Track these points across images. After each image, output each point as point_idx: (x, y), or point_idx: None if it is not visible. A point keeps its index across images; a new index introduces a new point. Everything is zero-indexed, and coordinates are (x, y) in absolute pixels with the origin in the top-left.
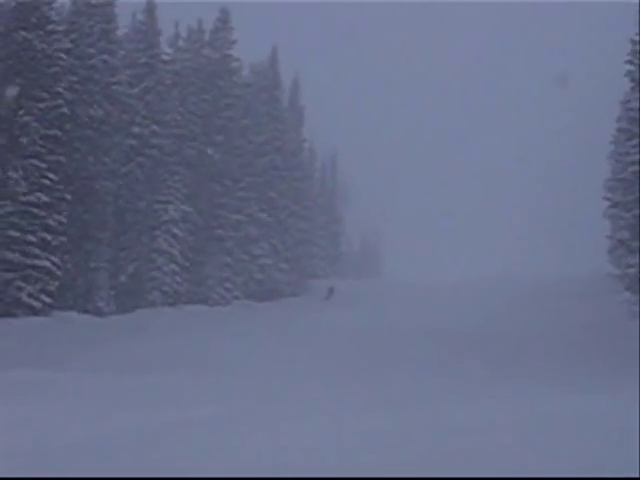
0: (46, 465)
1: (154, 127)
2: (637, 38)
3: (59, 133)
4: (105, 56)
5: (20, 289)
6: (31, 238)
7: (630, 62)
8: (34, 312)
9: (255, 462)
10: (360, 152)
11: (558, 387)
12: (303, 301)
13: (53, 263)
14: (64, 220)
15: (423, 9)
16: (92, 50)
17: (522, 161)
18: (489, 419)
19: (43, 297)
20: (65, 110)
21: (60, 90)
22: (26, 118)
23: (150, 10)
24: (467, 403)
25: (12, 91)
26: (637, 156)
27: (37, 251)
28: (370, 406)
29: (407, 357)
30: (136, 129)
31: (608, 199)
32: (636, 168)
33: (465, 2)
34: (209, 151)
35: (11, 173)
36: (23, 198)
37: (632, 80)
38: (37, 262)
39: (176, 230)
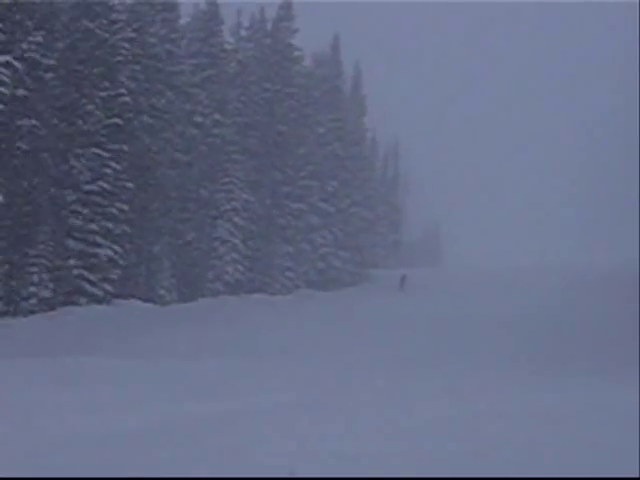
0: (120, 450)
1: (216, 116)
2: None
3: (121, 122)
4: (168, 45)
5: (83, 278)
6: (94, 227)
7: None
8: (97, 300)
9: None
10: (421, 141)
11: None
12: (364, 290)
13: (115, 252)
14: (126, 209)
15: (489, 7)
16: (154, 39)
17: None
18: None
19: (105, 285)
20: (127, 99)
21: (123, 79)
22: (89, 107)
23: (212, 0)
24: (530, 394)
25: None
26: None
27: (99, 240)
28: (436, 394)
29: (476, 347)
30: (198, 118)
31: None
32: None
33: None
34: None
35: (74, 162)
36: (86, 187)
37: None
38: (99, 251)
39: (237, 219)
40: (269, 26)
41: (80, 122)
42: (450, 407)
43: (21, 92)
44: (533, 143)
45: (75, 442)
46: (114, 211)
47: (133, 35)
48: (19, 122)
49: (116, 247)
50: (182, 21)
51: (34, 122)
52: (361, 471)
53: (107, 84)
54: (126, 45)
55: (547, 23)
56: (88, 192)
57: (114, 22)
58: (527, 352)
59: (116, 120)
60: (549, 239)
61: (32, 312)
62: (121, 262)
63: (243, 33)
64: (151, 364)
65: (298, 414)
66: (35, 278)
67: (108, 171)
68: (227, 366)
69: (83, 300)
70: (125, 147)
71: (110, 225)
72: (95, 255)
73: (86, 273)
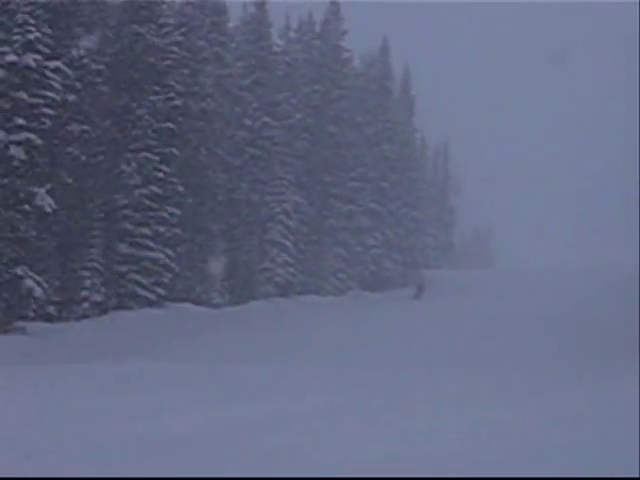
0: (172, 454)
1: (266, 119)
2: None
3: (171, 126)
4: (216, 49)
5: (135, 282)
6: (145, 231)
7: None
8: (149, 304)
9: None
10: (472, 143)
11: None
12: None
13: (167, 255)
14: (177, 212)
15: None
16: (203, 43)
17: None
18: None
19: (157, 289)
20: (177, 103)
21: (172, 83)
22: (139, 111)
23: (261, 2)
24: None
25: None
26: None
27: (151, 244)
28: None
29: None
30: (248, 121)
31: None
32: None
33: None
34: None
35: (124, 166)
36: (137, 191)
37: None
38: (151, 254)
39: (289, 221)
40: (317, 28)
41: (130, 126)
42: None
43: (72, 97)
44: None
45: (127, 447)
46: (165, 215)
47: (181, 39)
48: (69, 127)
49: (168, 251)
50: (231, 24)
51: (85, 127)
52: (409, 473)
53: (157, 88)
54: (175, 49)
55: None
56: (139, 196)
57: (163, 26)
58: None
59: (167, 124)
60: (600, 239)
61: (85, 316)
62: (173, 266)
63: (292, 35)
64: (205, 368)
65: (348, 416)
66: (87, 282)
67: (159, 175)
68: (279, 369)
69: (135, 304)
70: (175, 151)
71: (161, 229)
72: (147, 259)
73: (138, 277)
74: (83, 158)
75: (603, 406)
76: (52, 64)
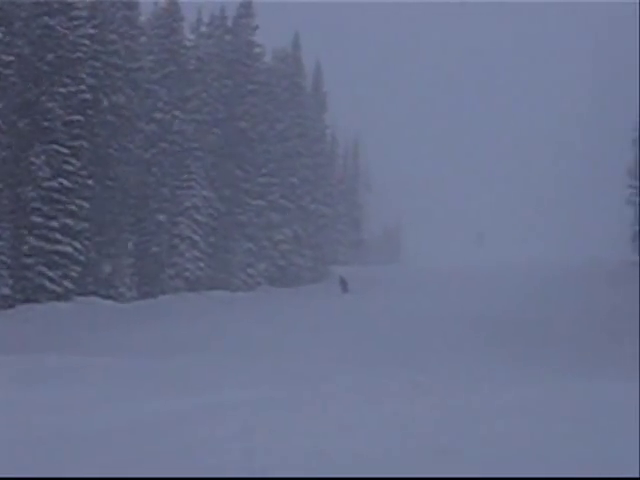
0: (84, 449)
1: (176, 112)
2: None
3: (82, 119)
4: (127, 42)
5: (43, 275)
6: (54, 224)
7: None
8: (57, 297)
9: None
10: (382, 139)
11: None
12: (324, 287)
13: (75, 249)
14: (87, 205)
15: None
16: (114, 36)
17: None
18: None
19: (65, 282)
20: (87, 96)
21: (83, 76)
22: (49, 104)
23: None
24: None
25: None
26: None
27: (59, 237)
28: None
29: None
30: (158, 115)
31: (632, 186)
32: None
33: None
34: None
35: (34, 159)
36: (46, 184)
37: None
38: (59, 248)
39: (198, 216)
40: (229, 22)
41: (40, 119)
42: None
43: None
44: (507, 135)
45: (39, 441)
46: (74, 208)
47: (93, 32)
48: None
49: (76, 244)
50: (142, 18)
51: None
52: (332, 469)
53: (67, 81)
54: (86, 42)
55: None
56: (48, 189)
57: (74, 18)
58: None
59: (76, 117)
60: (512, 239)
61: None
62: (81, 259)
63: (203, 29)
64: (115, 361)
65: (264, 409)
66: None
67: (68, 168)
68: (190, 363)
69: (43, 297)
70: (85, 144)
71: (70, 222)
72: (55, 252)
73: (46, 270)
74: None
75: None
76: None
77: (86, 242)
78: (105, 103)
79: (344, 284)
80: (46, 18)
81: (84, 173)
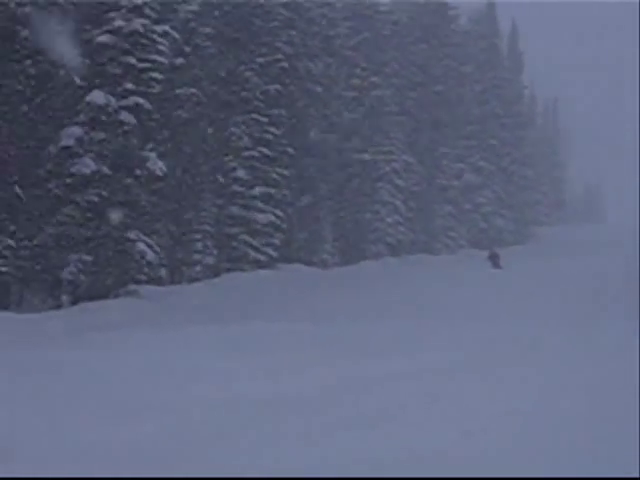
0: (289, 412)
1: (374, 78)
2: None
3: (279, 87)
4: (324, 9)
5: (246, 243)
6: (255, 192)
7: None
8: (260, 266)
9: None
10: (581, 97)
11: None
12: (531, 248)
13: (277, 216)
14: (287, 173)
15: None
16: (309, 3)
17: None
18: None
19: (268, 250)
20: (285, 64)
21: (279, 44)
22: (247, 74)
23: None
24: None
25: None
26: None
27: (261, 205)
28: None
29: None
30: (356, 81)
31: None
32: None
33: None
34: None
35: (233, 129)
36: (246, 153)
37: None
38: (261, 216)
39: (398, 181)
40: None
41: (239, 89)
42: None
43: (180, 61)
44: None
45: (242, 406)
46: (275, 176)
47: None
48: (178, 91)
49: (278, 212)
50: None
51: (193, 90)
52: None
53: (264, 50)
54: (282, 10)
55: None
56: (248, 158)
57: None
58: None
59: (274, 86)
60: None
61: (196, 279)
62: (283, 227)
63: None
64: (320, 327)
65: (464, 372)
66: (199, 245)
67: (267, 137)
68: (394, 327)
69: (247, 266)
70: (284, 112)
71: (272, 190)
72: (257, 221)
73: (249, 239)
74: (192, 122)
75: None
76: (160, 28)
77: (287, 210)
78: (302, 71)
79: (495, 258)
80: None
81: (283, 141)
